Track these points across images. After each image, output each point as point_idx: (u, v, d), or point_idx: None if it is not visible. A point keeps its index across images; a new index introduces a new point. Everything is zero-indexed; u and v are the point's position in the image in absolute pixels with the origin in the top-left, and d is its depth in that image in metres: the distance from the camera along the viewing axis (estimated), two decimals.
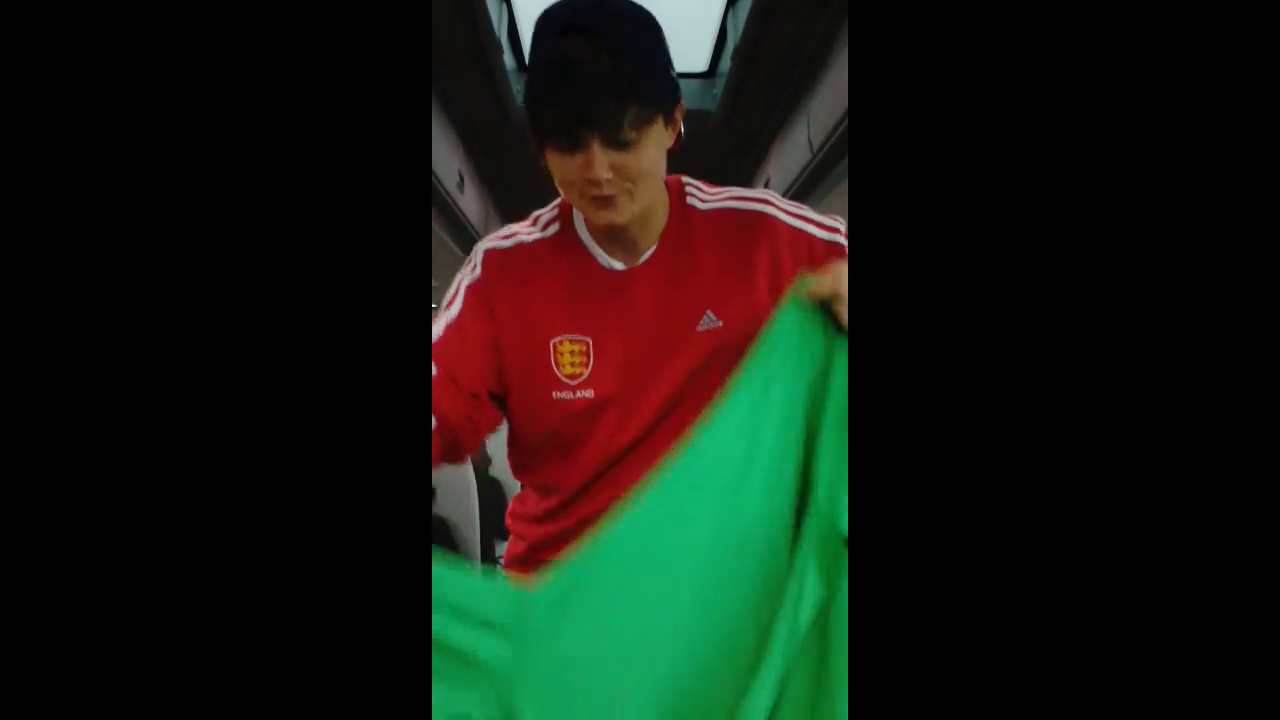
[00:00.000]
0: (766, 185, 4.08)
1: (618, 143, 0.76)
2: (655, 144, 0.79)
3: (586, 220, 0.88)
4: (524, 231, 0.93)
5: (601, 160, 0.76)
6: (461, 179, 4.25)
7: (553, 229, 0.92)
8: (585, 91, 0.73)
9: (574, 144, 0.76)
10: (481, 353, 0.87)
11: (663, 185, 0.88)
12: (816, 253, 0.87)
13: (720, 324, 0.86)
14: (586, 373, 0.86)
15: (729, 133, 3.97)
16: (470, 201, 4.18)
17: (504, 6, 3.86)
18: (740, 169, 4.50)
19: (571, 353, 0.87)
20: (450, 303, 0.90)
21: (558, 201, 0.92)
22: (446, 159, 4.12)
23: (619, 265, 0.89)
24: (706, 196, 0.92)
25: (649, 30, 0.79)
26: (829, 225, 0.89)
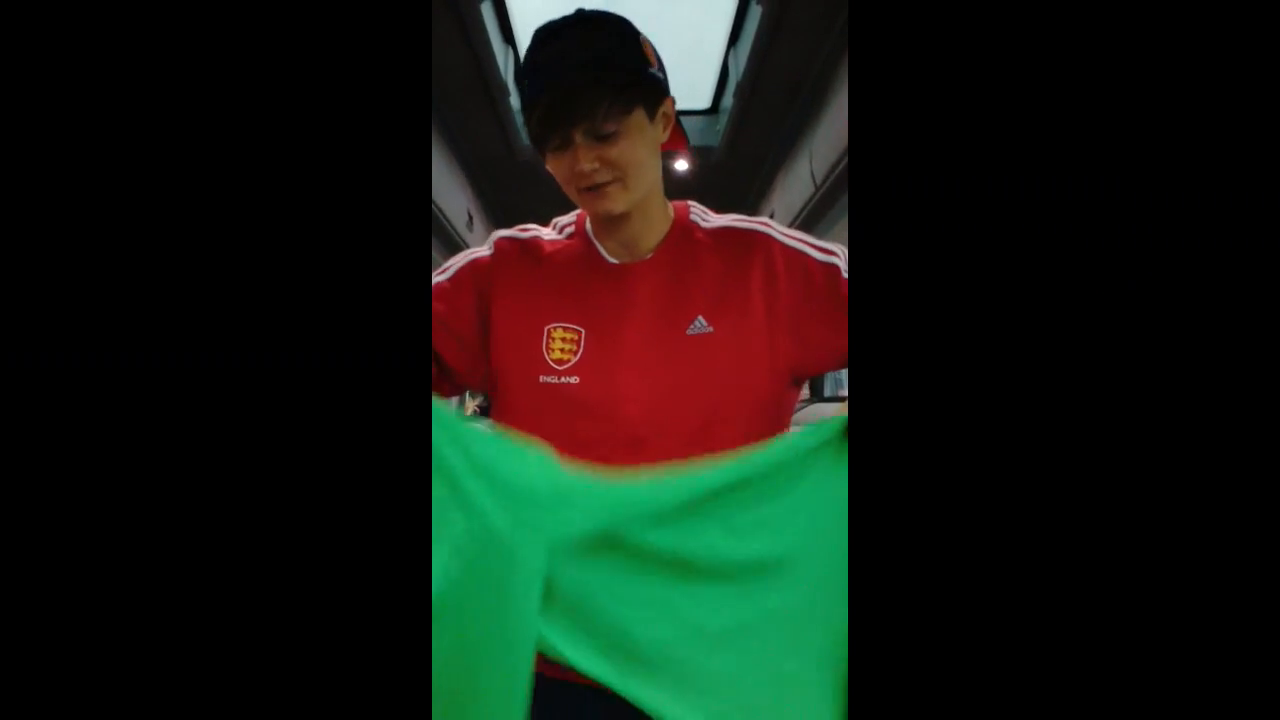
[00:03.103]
0: (771, 217, 4.12)
1: (599, 135, 0.81)
2: (639, 136, 0.84)
3: (589, 217, 0.93)
4: (543, 232, 0.98)
5: (586, 153, 0.82)
6: (471, 218, 4.31)
7: (568, 231, 0.96)
8: (556, 80, 0.80)
9: (563, 143, 0.82)
10: (443, 324, 0.91)
11: (665, 201, 0.93)
12: (812, 273, 0.89)
13: (711, 330, 0.87)
14: (575, 359, 0.88)
15: (733, 167, 4.01)
16: (479, 239, 4.23)
17: (509, 49, 3.94)
18: (745, 202, 4.53)
19: (563, 339, 0.89)
20: (443, 270, 0.94)
21: (578, 211, 0.96)
22: (456, 198, 4.17)
23: (619, 261, 0.92)
24: (710, 218, 0.96)
25: (616, 27, 0.86)
26: (826, 249, 0.92)
